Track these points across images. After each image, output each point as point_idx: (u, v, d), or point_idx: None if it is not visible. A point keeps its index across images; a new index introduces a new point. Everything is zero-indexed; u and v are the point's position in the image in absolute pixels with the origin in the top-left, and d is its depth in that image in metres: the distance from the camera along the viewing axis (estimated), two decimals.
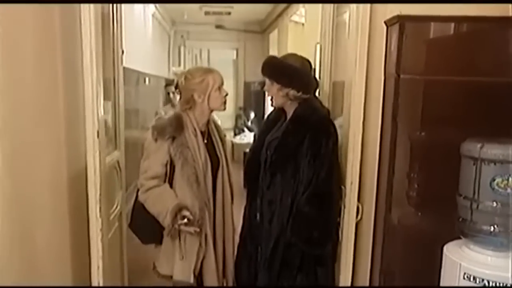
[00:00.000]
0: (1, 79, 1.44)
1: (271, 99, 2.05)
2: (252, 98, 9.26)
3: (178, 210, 1.90)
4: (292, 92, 1.96)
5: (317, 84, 2.09)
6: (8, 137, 1.49)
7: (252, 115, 8.85)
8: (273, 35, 7.48)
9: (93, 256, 1.99)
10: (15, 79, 1.53)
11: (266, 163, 2.02)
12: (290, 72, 1.97)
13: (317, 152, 1.87)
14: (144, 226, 2.05)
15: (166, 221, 1.91)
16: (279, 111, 2.10)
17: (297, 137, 1.92)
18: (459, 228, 1.68)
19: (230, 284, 2.19)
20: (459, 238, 1.71)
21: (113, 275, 2.34)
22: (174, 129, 1.96)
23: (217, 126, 2.18)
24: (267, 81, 2.03)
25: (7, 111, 1.48)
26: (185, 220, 1.90)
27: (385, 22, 1.94)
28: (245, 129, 8.61)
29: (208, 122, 2.10)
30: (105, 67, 2.07)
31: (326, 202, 1.91)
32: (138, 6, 5.34)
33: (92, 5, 1.84)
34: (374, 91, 2.00)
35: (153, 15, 6.41)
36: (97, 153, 1.94)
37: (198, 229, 1.93)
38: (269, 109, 8.43)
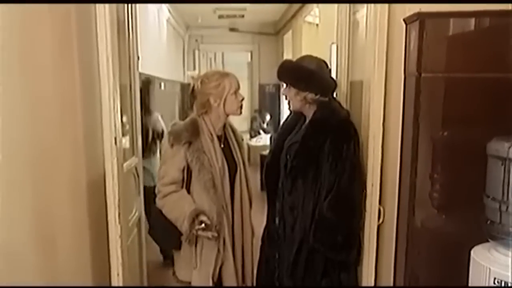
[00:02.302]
0: (20, 87, 1.45)
1: (289, 103, 2.02)
2: (267, 100, 9.25)
3: (196, 216, 1.89)
4: (310, 96, 1.93)
5: (335, 85, 2.05)
6: (28, 144, 1.50)
7: (268, 117, 8.83)
8: (287, 37, 7.46)
9: (113, 262, 1.99)
10: (34, 86, 1.55)
11: (286, 168, 1.99)
12: (307, 76, 1.93)
13: (339, 156, 1.83)
14: (163, 232, 2.05)
15: (184, 226, 1.90)
16: (297, 114, 2.07)
17: (317, 140, 1.88)
18: (487, 231, 1.61)
19: None
20: (487, 241, 1.64)
21: (133, 282, 2.34)
22: (190, 134, 1.94)
23: (234, 130, 2.16)
24: (284, 85, 2.00)
25: (27, 119, 1.49)
26: (203, 225, 1.88)
27: (404, 20, 1.89)
28: (261, 132, 8.59)
29: (224, 126, 2.08)
30: (121, 73, 2.07)
31: (349, 206, 1.87)
32: (153, 12, 5.38)
33: (107, 12, 1.85)
34: (394, 91, 1.95)
35: (167, 20, 6.46)
36: (115, 160, 1.94)
37: (215, 234, 1.91)
38: (284, 110, 8.37)
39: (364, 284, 2.06)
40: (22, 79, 1.47)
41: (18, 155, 1.44)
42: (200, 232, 1.89)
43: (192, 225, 1.88)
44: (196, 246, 1.96)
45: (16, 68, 1.43)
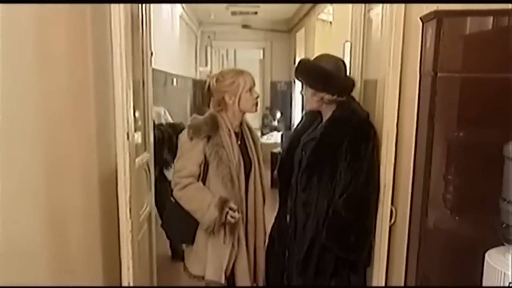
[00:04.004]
0: (34, 81, 1.46)
1: (304, 102, 2.01)
2: (279, 98, 9.24)
3: (224, 202, 1.90)
4: (327, 97, 1.91)
5: (353, 84, 2.02)
6: (41, 139, 1.51)
7: (279, 114, 8.82)
8: (300, 34, 7.41)
9: (123, 257, 1.99)
10: (48, 81, 1.55)
11: (301, 165, 1.97)
12: (324, 77, 1.92)
13: (357, 155, 1.82)
14: (177, 226, 2.06)
15: (207, 215, 1.91)
16: (314, 112, 2.06)
17: (336, 139, 1.87)
18: (502, 235, 1.58)
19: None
20: (502, 245, 1.61)
21: (143, 276, 2.35)
22: (210, 128, 1.96)
23: (250, 128, 2.18)
24: (302, 84, 1.99)
25: (40, 113, 1.50)
26: (236, 213, 1.91)
27: (420, 18, 1.86)
28: (272, 129, 8.57)
29: (241, 124, 2.10)
30: (134, 69, 2.07)
31: (364, 206, 1.86)
32: (166, 8, 5.39)
33: (122, 8, 1.85)
34: (409, 90, 1.92)
35: (180, 16, 6.47)
36: (127, 155, 1.94)
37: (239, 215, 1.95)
38: (296, 108, 8.31)
39: (374, 284, 2.05)
40: (35, 74, 1.47)
41: (31, 150, 1.45)
42: (228, 217, 1.91)
43: (222, 212, 1.89)
44: (211, 239, 1.97)
45: (30, 63, 1.44)
